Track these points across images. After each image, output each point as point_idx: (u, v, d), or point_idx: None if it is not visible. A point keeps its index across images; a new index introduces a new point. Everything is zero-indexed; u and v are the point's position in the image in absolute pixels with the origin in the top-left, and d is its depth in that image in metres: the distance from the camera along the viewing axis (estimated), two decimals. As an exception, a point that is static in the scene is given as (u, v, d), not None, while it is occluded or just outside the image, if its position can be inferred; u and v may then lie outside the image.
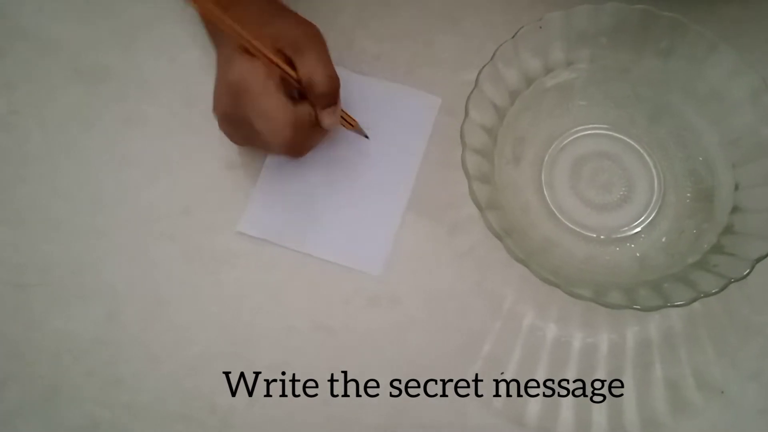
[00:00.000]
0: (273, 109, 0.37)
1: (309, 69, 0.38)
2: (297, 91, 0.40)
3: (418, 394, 0.40)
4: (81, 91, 0.46)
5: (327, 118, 0.40)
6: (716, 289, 0.34)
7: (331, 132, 0.43)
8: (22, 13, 0.48)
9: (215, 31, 0.41)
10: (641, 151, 0.43)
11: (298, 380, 0.40)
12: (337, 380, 0.40)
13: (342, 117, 0.42)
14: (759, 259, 0.35)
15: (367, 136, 0.44)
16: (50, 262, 0.43)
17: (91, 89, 0.46)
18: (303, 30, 0.39)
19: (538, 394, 0.40)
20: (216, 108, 0.39)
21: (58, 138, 0.46)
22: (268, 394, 0.40)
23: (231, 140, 0.42)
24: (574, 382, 0.40)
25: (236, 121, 0.39)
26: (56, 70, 0.47)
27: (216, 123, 0.41)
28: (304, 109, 0.39)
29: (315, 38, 0.40)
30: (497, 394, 0.40)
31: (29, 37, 0.47)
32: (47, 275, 0.43)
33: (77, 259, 0.43)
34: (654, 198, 0.42)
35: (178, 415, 0.40)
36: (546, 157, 0.43)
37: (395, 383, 0.40)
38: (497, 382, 0.40)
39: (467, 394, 0.40)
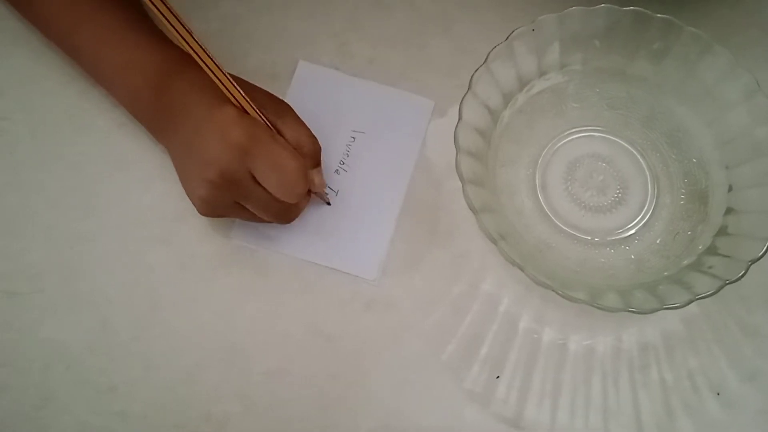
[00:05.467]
0: (287, 159, 0.37)
1: (294, 131, 0.39)
2: None
3: (415, 397, 0.40)
4: (73, 96, 0.46)
5: (316, 178, 0.40)
6: (712, 291, 0.34)
7: (311, 198, 0.42)
8: (12, 18, 0.47)
9: (167, 120, 0.39)
10: (635, 153, 0.43)
11: (295, 386, 0.40)
12: (333, 385, 0.40)
13: None
14: (754, 261, 0.35)
15: (329, 203, 0.43)
16: (42, 270, 0.43)
17: (84, 94, 0.46)
18: (276, 99, 0.40)
19: (534, 397, 0.40)
20: (209, 171, 0.36)
21: (51, 143, 0.45)
22: (263, 402, 0.40)
23: (210, 210, 0.39)
24: (571, 384, 0.40)
25: (233, 184, 0.37)
26: (48, 75, 0.46)
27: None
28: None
29: (288, 106, 0.40)
30: (494, 397, 0.40)
31: (20, 43, 0.47)
32: (39, 283, 0.42)
33: (69, 266, 0.43)
34: (648, 200, 0.42)
35: (173, 423, 0.40)
36: (540, 160, 0.43)
37: (392, 387, 0.40)
38: (494, 385, 0.40)
39: (464, 397, 0.40)
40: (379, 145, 0.45)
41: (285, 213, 0.40)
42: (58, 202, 0.44)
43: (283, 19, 0.47)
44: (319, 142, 0.40)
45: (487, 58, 0.39)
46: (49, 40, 0.44)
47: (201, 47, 0.34)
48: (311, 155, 0.39)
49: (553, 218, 0.42)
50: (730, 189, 0.39)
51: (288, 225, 0.42)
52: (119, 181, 0.44)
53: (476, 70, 0.39)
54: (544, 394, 0.40)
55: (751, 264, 0.35)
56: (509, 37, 0.39)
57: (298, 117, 0.40)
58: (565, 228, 0.41)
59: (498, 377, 0.40)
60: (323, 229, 0.43)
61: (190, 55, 0.35)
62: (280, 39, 0.47)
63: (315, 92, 0.45)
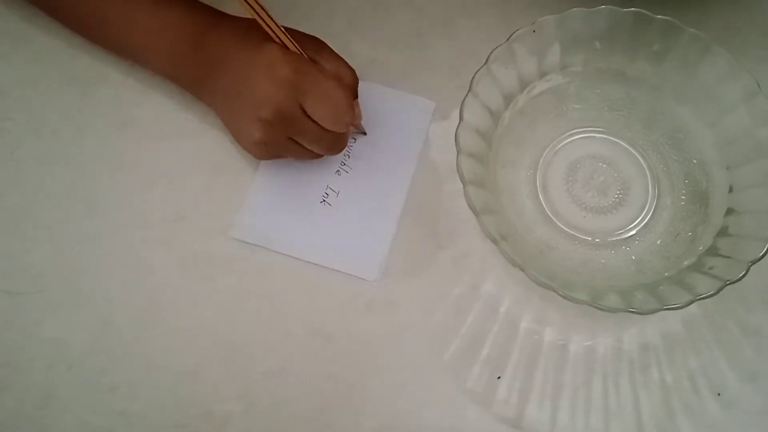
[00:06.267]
0: (334, 90, 0.38)
1: (334, 64, 0.40)
2: None
3: (416, 397, 0.40)
4: (75, 97, 0.46)
5: (356, 109, 0.41)
6: (712, 292, 0.34)
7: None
8: (14, 19, 0.47)
9: (209, 71, 0.40)
10: (636, 153, 0.43)
11: (296, 386, 0.40)
12: (334, 385, 0.40)
13: None
14: (754, 261, 0.35)
15: (365, 133, 0.45)
16: (43, 270, 0.43)
17: (84, 95, 0.46)
18: (310, 36, 0.41)
19: (535, 398, 0.40)
20: (263, 110, 0.37)
21: (52, 144, 0.45)
22: (264, 401, 0.40)
23: (265, 151, 0.40)
24: (571, 385, 0.40)
25: (288, 120, 0.38)
26: (50, 75, 0.47)
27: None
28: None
29: (323, 41, 0.41)
30: (495, 398, 0.40)
31: (22, 43, 0.47)
32: (40, 283, 0.42)
33: (71, 266, 0.43)
34: (649, 201, 0.42)
35: (174, 423, 0.40)
36: (541, 161, 0.43)
37: (393, 387, 0.40)
38: (495, 385, 0.40)
39: (465, 398, 0.40)
40: (381, 146, 0.45)
41: (335, 143, 0.41)
42: (60, 202, 0.44)
43: (284, 20, 0.47)
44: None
45: (487, 60, 0.39)
46: (66, 21, 0.44)
47: None
48: (351, 86, 0.40)
49: (553, 219, 0.42)
50: (730, 190, 0.39)
51: (288, 225, 0.43)
52: (120, 182, 0.44)
53: (477, 72, 0.39)
54: (544, 395, 0.40)
55: (751, 264, 0.35)
56: (510, 39, 0.40)
57: (334, 51, 0.40)
58: (565, 229, 0.41)
59: (499, 378, 0.40)
60: (324, 230, 0.43)
61: (220, 11, 0.36)
62: (282, 40, 0.47)
63: (316, 93, 0.45)
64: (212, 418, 0.40)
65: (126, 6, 0.41)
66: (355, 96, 0.42)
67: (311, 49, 0.39)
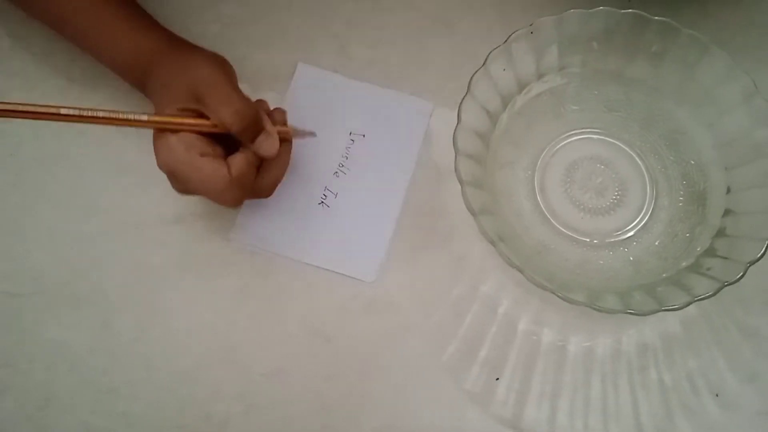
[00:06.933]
0: (207, 180, 0.36)
1: (216, 114, 0.36)
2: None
3: (416, 398, 0.40)
4: (75, 98, 0.46)
5: (262, 149, 0.37)
6: (710, 293, 0.34)
7: (290, 161, 0.40)
8: (14, 21, 0.48)
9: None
10: (634, 155, 0.43)
11: (295, 387, 0.40)
12: (333, 385, 0.40)
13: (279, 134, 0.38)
14: (752, 262, 0.35)
15: (314, 134, 0.42)
16: (44, 271, 0.43)
17: (84, 96, 0.46)
18: (208, 70, 0.37)
19: (533, 399, 0.40)
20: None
21: (52, 145, 0.45)
22: (263, 402, 0.40)
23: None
24: (570, 386, 0.40)
25: (187, 192, 0.38)
26: (49, 77, 0.47)
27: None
28: (239, 158, 0.36)
29: (217, 75, 0.37)
30: (494, 399, 0.40)
31: (21, 45, 0.47)
32: (41, 284, 0.43)
33: (71, 267, 0.43)
34: (647, 202, 0.42)
35: (174, 423, 0.40)
36: (539, 162, 0.43)
37: (393, 388, 0.40)
38: (493, 386, 0.40)
39: (464, 399, 0.40)
40: (379, 148, 0.45)
41: (253, 197, 0.40)
42: (60, 204, 0.44)
43: (283, 21, 0.48)
44: (259, 106, 0.38)
45: (485, 61, 0.39)
46: (42, 22, 0.45)
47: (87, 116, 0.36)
48: (243, 131, 0.36)
49: (552, 220, 0.42)
50: (728, 190, 0.39)
51: (286, 227, 0.43)
52: (120, 183, 0.45)
53: (475, 73, 0.39)
54: (543, 396, 0.40)
55: (749, 265, 0.35)
56: (508, 40, 0.40)
57: (221, 92, 0.36)
58: (563, 230, 0.41)
59: (497, 379, 0.40)
60: (322, 232, 0.43)
61: (171, 43, 0.37)
62: (280, 41, 0.47)
63: (314, 95, 0.45)
64: (212, 419, 0.40)
65: (87, 27, 0.42)
66: (257, 133, 0.37)
67: (193, 98, 0.36)
